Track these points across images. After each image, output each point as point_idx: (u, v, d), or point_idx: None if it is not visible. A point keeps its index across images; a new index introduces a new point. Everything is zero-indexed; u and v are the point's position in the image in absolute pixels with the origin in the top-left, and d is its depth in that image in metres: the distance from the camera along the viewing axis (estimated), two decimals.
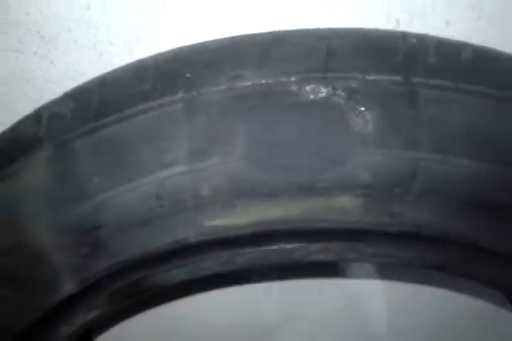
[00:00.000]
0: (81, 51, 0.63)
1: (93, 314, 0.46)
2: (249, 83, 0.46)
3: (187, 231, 0.43)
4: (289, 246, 0.45)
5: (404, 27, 0.61)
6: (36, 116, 0.50)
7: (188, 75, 0.47)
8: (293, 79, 0.45)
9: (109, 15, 0.60)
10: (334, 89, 0.45)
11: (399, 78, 0.46)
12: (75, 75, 0.64)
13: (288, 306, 0.95)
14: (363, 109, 0.44)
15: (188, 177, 0.43)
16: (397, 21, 0.62)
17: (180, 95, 0.45)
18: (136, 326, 0.91)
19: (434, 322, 0.94)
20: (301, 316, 0.96)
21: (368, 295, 0.89)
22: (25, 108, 0.65)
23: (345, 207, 0.44)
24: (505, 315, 0.88)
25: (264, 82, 0.46)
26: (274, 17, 0.60)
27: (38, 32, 0.63)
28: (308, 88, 0.45)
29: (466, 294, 0.87)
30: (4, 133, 0.51)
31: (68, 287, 0.44)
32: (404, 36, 0.51)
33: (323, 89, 0.45)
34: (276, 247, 0.45)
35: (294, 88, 0.45)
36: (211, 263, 0.46)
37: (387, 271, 0.80)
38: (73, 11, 0.61)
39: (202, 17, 0.60)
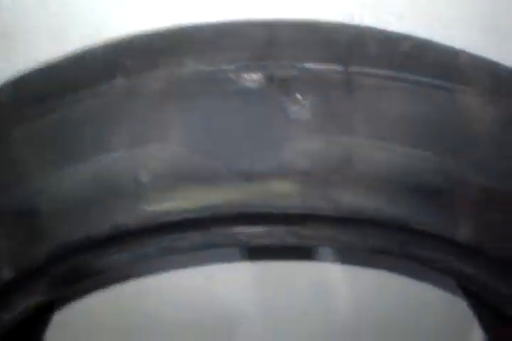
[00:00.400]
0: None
1: (33, 300, 0.46)
2: (190, 70, 0.46)
3: (127, 217, 0.44)
4: (229, 230, 0.46)
5: (358, 21, 0.63)
6: None
7: (128, 62, 0.47)
8: (233, 67, 0.46)
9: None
10: (272, 76, 0.45)
11: (337, 67, 0.47)
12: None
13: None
14: (299, 96, 0.45)
15: (128, 162, 0.43)
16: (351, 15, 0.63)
17: (119, 81, 0.45)
18: (88, 318, 0.90)
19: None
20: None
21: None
22: None
23: (283, 193, 0.45)
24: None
25: (204, 68, 0.46)
26: (224, 7, 0.61)
27: None
28: (246, 76, 0.45)
29: (421, 281, 0.90)
30: None
31: (5, 273, 0.43)
32: (343, 26, 0.53)
33: (261, 77, 0.46)
34: (217, 231, 0.46)
35: (233, 75, 0.46)
36: (152, 249, 0.46)
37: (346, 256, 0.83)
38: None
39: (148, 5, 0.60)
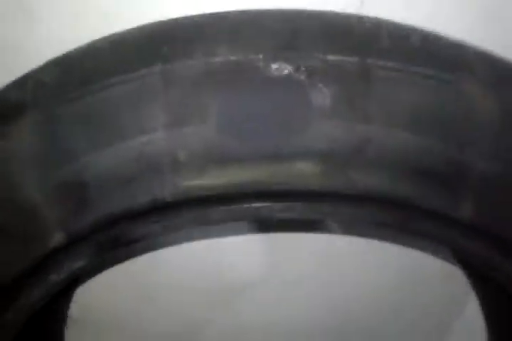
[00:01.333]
0: (60, 20, 0.66)
1: (79, 264, 0.51)
2: (221, 59, 0.51)
3: (164, 191, 0.49)
4: (255, 205, 0.51)
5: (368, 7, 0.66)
6: (20, 84, 0.54)
7: (165, 49, 0.51)
8: (260, 56, 0.51)
9: None
10: (297, 67, 0.50)
11: (355, 59, 0.51)
12: (53, 43, 0.67)
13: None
14: (321, 85, 0.50)
15: (166, 142, 0.48)
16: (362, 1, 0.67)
17: (157, 68, 0.50)
18: (106, 290, 0.96)
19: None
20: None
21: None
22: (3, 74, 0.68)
23: (305, 172, 0.50)
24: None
25: (234, 58, 0.51)
26: None
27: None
28: (273, 65, 0.50)
29: (415, 249, 0.96)
30: None
31: (56, 239, 0.49)
32: (360, 20, 0.57)
33: (287, 67, 0.50)
34: (245, 206, 0.51)
35: (261, 65, 0.50)
36: (186, 220, 0.51)
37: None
38: None
39: None
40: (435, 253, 0.95)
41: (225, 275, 1.02)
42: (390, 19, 0.60)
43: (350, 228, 0.84)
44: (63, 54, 0.55)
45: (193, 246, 0.94)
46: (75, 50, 0.55)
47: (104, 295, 0.97)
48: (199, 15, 0.57)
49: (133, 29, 0.55)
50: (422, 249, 0.95)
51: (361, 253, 0.96)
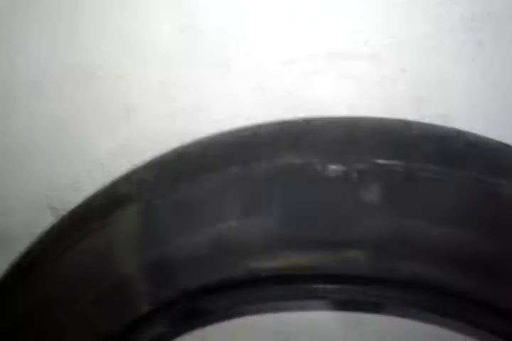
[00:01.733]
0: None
1: (158, 331, 0.61)
2: (287, 162, 0.62)
3: (235, 271, 0.59)
4: (311, 286, 0.59)
5: (372, 46, 0.70)
6: (127, 179, 0.68)
7: (239, 152, 0.64)
8: (318, 159, 0.61)
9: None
10: (350, 169, 0.60)
11: (401, 162, 0.60)
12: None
13: None
14: (370, 185, 0.59)
15: (240, 230, 0.59)
16: (365, 42, 0.70)
17: (234, 168, 0.62)
18: None
19: None
20: None
21: None
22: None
23: (355, 259, 0.58)
24: None
25: (297, 161, 0.62)
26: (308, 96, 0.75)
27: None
28: (330, 167, 0.60)
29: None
30: (102, 190, 0.69)
31: (143, 308, 0.59)
32: (407, 125, 0.67)
33: (341, 168, 0.60)
34: (302, 287, 0.59)
35: (319, 167, 0.61)
36: (252, 297, 0.60)
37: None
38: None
39: None
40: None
41: None
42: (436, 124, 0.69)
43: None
44: (161, 155, 0.69)
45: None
46: (170, 152, 0.69)
47: None
48: (263, 124, 0.69)
49: (216, 135, 0.68)
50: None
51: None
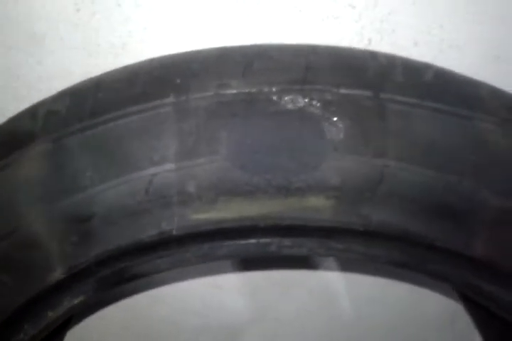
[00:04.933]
0: (69, 51, 0.66)
1: (78, 299, 0.49)
2: (235, 91, 0.50)
3: (172, 224, 0.47)
4: (265, 240, 0.49)
5: (375, 45, 0.67)
6: (32, 112, 0.53)
7: (178, 81, 0.51)
8: (274, 89, 0.50)
9: (97, 18, 0.64)
10: (311, 100, 0.49)
11: (369, 93, 0.51)
12: (62, 74, 0.67)
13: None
14: (335, 119, 0.49)
15: (176, 174, 0.47)
16: (369, 40, 0.67)
17: (170, 99, 0.49)
18: (108, 324, 0.93)
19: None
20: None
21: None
22: (12, 104, 0.67)
23: (317, 207, 0.48)
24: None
25: (247, 90, 0.50)
26: (256, 30, 0.65)
27: (27, 31, 0.65)
28: (287, 98, 0.49)
29: (418, 286, 0.94)
30: (0, 127, 0.54)
31: (58, 273, 0.47)
32: (373, 55, 0.57)
33: (300, 100, 0.50)
34: (253, 241, 0.49)
35: (275, 97, 0.50)
36: (192, 255, 0.49)
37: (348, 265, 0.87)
38: (63, 12, 0.64)
39: (187, 27, 0.64)
40: (437, 288, 0.93)
41: (221, 314, 0.99)
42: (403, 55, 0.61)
43: (338, 264, 0.83)
44: (75, 84, 0.55)
45: (190, 284, 0.92)
46: (87, 80, 0.55)
47: (99, 331, 0.94)
48: (211, 48, 0.57)
49: (145, 61, 0.55)
50: (425, 285, 0.93)
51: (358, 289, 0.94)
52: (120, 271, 0.48)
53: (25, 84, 0.68)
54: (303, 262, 0.89)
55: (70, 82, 0.57)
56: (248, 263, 0.91)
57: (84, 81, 0.54)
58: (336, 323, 1.01)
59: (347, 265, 0.90)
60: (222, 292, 0.97)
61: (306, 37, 0.66)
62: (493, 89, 0.58)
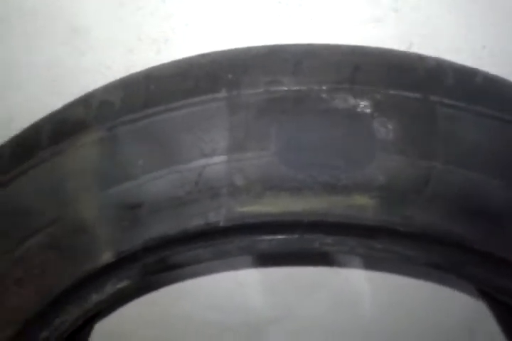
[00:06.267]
0: (110, 46, 0.68)
1: (122, 284, 0.50)
2: (285, 88, 0.51)
3: (218, 215, 0.48)
4: (307, 236, 0.50)
5: (415, 49, 0.67)
6: (85, 102, 0.55)
7: (229, 76, 0.52)
8: (324, 87, 0.51)
9: (141, 14, 0.65)
10: (360, 99, 0.50)
11: (418, 95, 0.51)
12: (102, 68, 0.68)
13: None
14: (385, 119, 0.49)
15: (225, 167, 0.48)
16: (411, 43, 0.67)
17: (222, 93, 0.50)
18: (130, 320, 0.95)
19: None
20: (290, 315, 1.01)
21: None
22: (54, 97, 0.68)
23: (361, 206, 0.49)
24: None
25: (297, 88, 0.51)
26: (299, 31, 0.66)
27: (70, 24, 0.67)
28: (337, 97, 0.50)
29: (440, 284, 0.93)
30: (52, 115, 0.56)
31: (106, 256, 0.48)
32: (421, 58, 0.57)
33: (350, 99, 0.50)
34: (295, 237, 0.50)
35: (325, 96, 0.50)
36: (235, 247, 0.50)
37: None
38: (106, 7, 0.65)
39: (229, 25, 0.65)
40: (460, 288, 0.92)
41: (245, 311, 1.00)
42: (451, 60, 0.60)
43: (361, 262, 0.83)
44: (125, 77, 0.56)
45: (215, 281, 0.93)
46: (137, 73, 0.56)
47: (122, 327, 0.96)
48: (261, 45, 0.58)
49: (198, 56, 0.56)
50: (449, 285, 0.92)
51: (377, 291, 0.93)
52: (165, 258, 0.50)
53: (66, 77, 0.69)
54: (328, 260, 0.89)
55: (111, 76, 0.58)
56: (270, 258, 0.92)
57: (135, 73, 0.56)
58: (354, 325, 1.01)
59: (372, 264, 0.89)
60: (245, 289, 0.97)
61: (348, 39, 0.66)
62: None
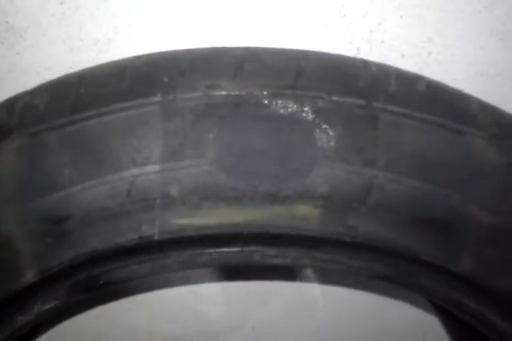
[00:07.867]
0: (50, 45, 0.64)
1: (50, 305, 0.46)
2: (224, 93, 0.48)
3: (152, 229, 0.45)
4: (248, 249, 0.48)
5: (363, 55, 0.66)
6: (8, 106, 0.50)
7: (165, 80, 0.49)
8: (265, 92, 0.49)
9: (81, 13, 0.62)
10: (302, 105, 0.48)
11: (361, 102, 0.50)
12: (40, 68, 0.65)
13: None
14: (327, 126, 0.48)
15: (159, 176, 0.45)
16: (358, 49, 0.67)
17: (157, 98, 0.47)
18: (80, 331, 0.90)
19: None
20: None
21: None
22: None
23: (304, 216, 0.47)
24: None
25: (237, 93, 0.49)
26: (244, 34, 0.64)
27: (7, 22, 0.63)
28: (278, 102, 0.48)
29: (393, 298, 0.93)
30: None
31: (29, 275, 0.44)
32: (365, 64, 0.56)
33: (292, 105, 0.48)
34: (236, 249, 0.47)
35: (266, 101, 0.48)
36: (173, 262, 0.47)
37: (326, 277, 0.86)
38: (46, 5, 0.61)
39: (173, 26, 0.63)
40: (413, 302, 0.92)
41: (198, 322, 0.97)
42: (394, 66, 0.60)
43: (318, 275, 0.82)
44: (56, 78, 0.53)
45: (168, 292, 0.90)
46: (68, 75, 0.53)
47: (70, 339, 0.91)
48: (201, 48, 0.55)
49: (134, 57, 0.53)
50: (402, 298, 0.92)
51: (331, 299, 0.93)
52: (96, 276, 0.46)
53: (1, 77, 0.66)
54: (282, 273, 0.88)
55: (49, 76, 0.55)
56: (227, 272, 0.90)
57: (66, 75, 0.52)
58: (310, 334, 1.00)
59: (325, 277, 0.89)
60: (199, 299, 0.95)
61: (295, 43, 0.65)
62: (484, 104, 0.58)
